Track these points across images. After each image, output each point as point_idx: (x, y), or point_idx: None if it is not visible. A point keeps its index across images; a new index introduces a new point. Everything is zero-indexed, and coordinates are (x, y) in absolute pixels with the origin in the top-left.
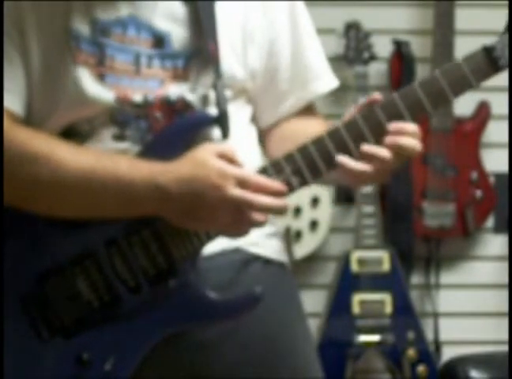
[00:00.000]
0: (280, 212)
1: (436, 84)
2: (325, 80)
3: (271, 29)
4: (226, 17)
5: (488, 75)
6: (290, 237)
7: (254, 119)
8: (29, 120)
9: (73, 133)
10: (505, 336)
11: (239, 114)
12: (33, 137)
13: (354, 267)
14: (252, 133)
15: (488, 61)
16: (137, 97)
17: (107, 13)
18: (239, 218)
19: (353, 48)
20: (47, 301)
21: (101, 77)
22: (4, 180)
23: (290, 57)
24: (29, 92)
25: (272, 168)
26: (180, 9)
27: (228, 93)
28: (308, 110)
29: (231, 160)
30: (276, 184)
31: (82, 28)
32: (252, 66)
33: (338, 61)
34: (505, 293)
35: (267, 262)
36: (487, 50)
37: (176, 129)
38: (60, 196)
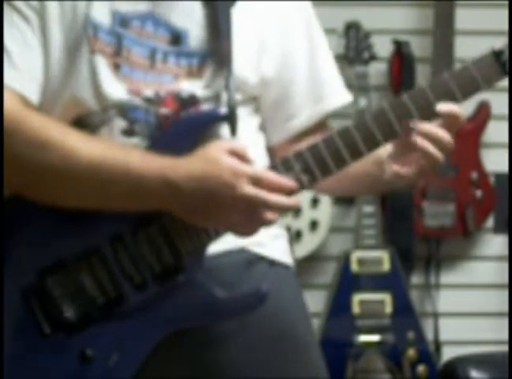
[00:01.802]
0: (292, 210)
1: (446, 86)
2: (339, 96)
3: (286, 41)
4: (243, 24)
5: (497, 79)
6: (290, 237)
7: (263, 128)
8: (40, 108)
9: (82, 125)
10: (505, 336)
11: (248, 120)
12: (46, 123)
13: (354, 267)
14: (260, 141)
15: (497, 65)
16: (149, 92)
17: (128, 6)
18: (251, 216)
19: (353, 48)
20: (50, 296)
21: (116, 67)
22: (12, 164)
23: (306, 71)
24: (46, 80)
25: (281, 166)
26: (199, 10)
27: (238, 96)
28: (322, 126)
29: (242, 158)
30: (288, 181)
31: (102, 17)
32: (264, 74)
33: (338, 61)
34: (505, 293)
35: (272, 263)
36: (496, 54)
37: (186, 125)
38: (69, 183)
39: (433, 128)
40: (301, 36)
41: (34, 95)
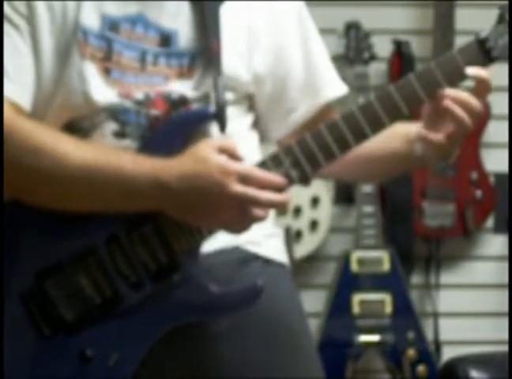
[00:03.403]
0: (282, 206)
1: (431, 75)
2: (336, 86)
3: (278, 35)
4: (231, 20)
5: (482, 66)
6: (290, 237)
7: (257, 125)
8: (32, 114)
9: (73, 130)
10: (505, 336)
11: (239, 119)
12: (38, 129)
13: (354, 267)
14: (252, 139)
15: (481, 53)
16: (139, 95)
17: (117, 9)
18: (241, 214)
19: (353, 48)
20: (48, 298)
21: (107, 72)
22: (7, 170)
23: (301, 64)
24: (37, 87)
25: (271, 161)
26: (187, 10)
27: (230, 96)
28: (326, 114)
29: (232, 155)
30: (277, 178)
31: (91, 22)
32: (257, 70)
33: (338, 61)
34: (505, 293)
35: (266, 262)
36: (480, 42)
37: (176, 125)
38: (62, 188)
39: (461, 93)
40: (294, 30)
41: (26, 102)
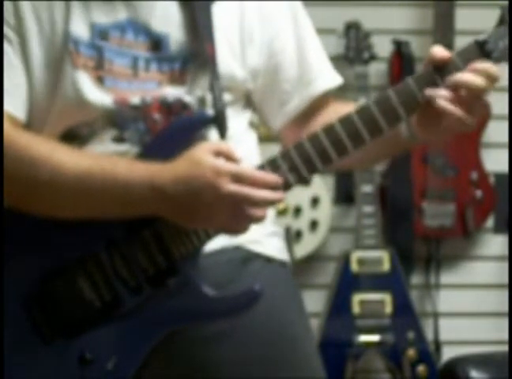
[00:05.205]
0: (277, 203)
1: (430, 78)
2: (329, 77)
3: (270, 28)
4: (223, 18)
5: None
6: (290, 237)
7: (253, 124)
8: (29, 124)
9: (73, 136)
10: (505, 336)
11: (237, 119)
12: (33, 141)
13: (354, 267)
14: (251, 138)
15: (481, 55)
16: (135, 99)
17: (106, 17)
18: (237, 214)
19: (353, 48)
20: (48, 301)
21: (100, 80)
22: (5, 181)
23: (293, 55)
24: (31, 97)
25: (268, 166)
26: (177, 12)
27: (228, 97)
28: (324, 103)
29: (227, 157)
30: (270, 176)
31: (81, 31)
32: (252, 66)
33: (338, 61)
34: (505, 293)
35: (268, 260)
36: (480, 44)
37: (174, 130)
38: (59, 197)
39: (463, 76)
40: (287, 23)
41: (22, 114)
